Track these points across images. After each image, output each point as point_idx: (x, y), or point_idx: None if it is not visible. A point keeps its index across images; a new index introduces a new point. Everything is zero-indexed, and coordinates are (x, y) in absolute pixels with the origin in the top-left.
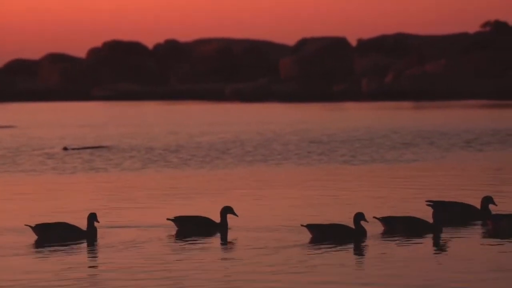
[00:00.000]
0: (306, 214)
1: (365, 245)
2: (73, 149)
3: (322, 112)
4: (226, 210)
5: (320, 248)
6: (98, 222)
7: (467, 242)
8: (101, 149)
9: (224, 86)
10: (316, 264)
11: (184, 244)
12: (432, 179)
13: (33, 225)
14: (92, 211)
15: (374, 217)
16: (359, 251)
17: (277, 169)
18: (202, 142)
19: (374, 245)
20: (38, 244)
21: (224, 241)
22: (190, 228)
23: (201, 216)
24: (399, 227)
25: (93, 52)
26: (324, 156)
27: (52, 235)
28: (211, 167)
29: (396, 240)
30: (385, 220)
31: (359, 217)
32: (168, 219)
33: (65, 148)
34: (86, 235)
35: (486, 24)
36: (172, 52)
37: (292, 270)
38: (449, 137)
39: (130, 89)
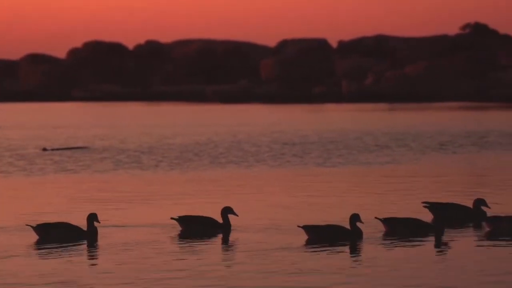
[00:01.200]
0: (294, 215)
1: (363, 246)
2: (53, 149)
3: (300, 114)
4: (227, 211)
5: (316, 249)
6: (99, 222)
7: (467, 243)
8: (80, 150)
9: (205, 87)
10: (312, 265)
11: (187, 244)
12: (403, 183)
13: (34, 225)
14: (92, 212)
15: (375, 218)
16: (357, 252)
17: (249, 171)
18: (176, 144)
19: (372, 246)
20: (39, 244)
21: (228, 242)
22: (194, 228)
23: (205, 216)
24: (401, 229)
25: (73, 52)
26: (297, 158)
27: (53, 235)
28: (183, 169)
29: (394, 241)
30: (386, 221)
31: (355, 218)
32: (172, 218)
33: (44, 149)
34: (87, 235)
35: (466, 26)
36: (153, 53)
37: (289, 271)
38: (423, 140)
39: (111, 90)
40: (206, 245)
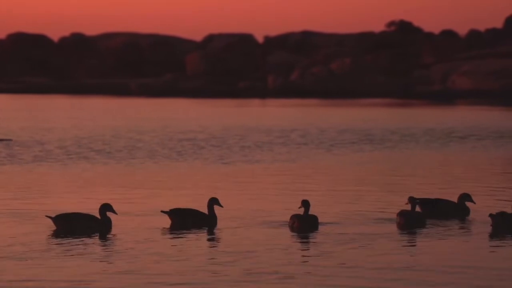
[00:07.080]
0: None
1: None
2: None
3: (219, 108)
4: (213, 202)
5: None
6: (116, 213)
7: (451, 236)
8: (3, 142)
9: (130, 81)
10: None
11: (178, 237)
12: (287, 181)
13: (53, 215)
14: (105, 202)
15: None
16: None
17: (129, 168)
18: (53, 138)
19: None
20: (58, 235)
21: (215, 233)
22: (188, 221)
23: (194, 209)
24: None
25: None
26: (188, 154)
27: (73, 226)
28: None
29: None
30: (406, 214)
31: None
32: (162, 211)
33: None
34: (103, 225)
35: (391, 23)
36: (78, 45)
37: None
38: (321, 138)
39: (36, 83)
40: (195, 237)
